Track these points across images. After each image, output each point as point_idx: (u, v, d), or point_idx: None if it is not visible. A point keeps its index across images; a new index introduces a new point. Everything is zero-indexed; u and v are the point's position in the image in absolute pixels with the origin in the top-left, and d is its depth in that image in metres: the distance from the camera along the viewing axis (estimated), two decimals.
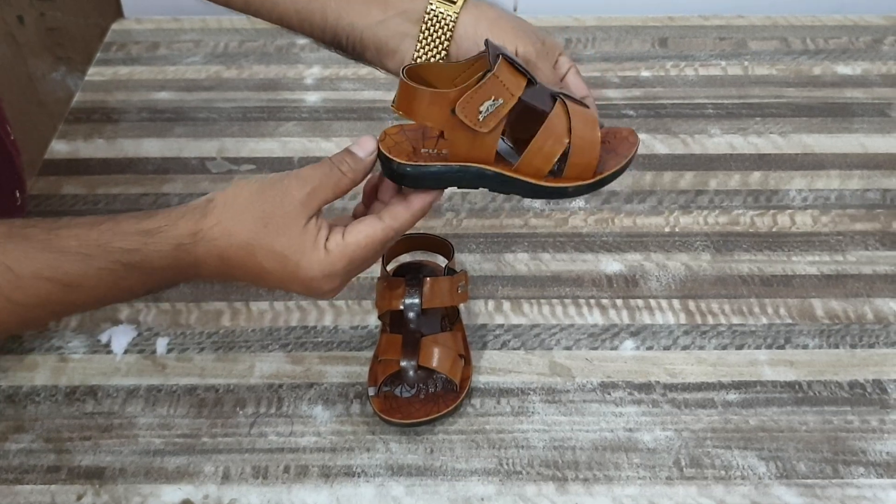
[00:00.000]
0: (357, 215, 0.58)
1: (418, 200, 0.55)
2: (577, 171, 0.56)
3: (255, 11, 0.63)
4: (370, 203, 0.58)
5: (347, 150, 0.55)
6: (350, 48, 0.60)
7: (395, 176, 0.56)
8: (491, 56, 0.53)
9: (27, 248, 0.48)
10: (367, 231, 0.53)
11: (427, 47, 0.57)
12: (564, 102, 0.56)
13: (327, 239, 0.53)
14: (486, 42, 0.54)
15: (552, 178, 0.56)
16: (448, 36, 0.57)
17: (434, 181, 0.55)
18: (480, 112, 0.53)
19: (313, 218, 0.53)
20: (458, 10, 0.57)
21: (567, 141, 0.56)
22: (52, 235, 0.49)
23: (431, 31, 0.57)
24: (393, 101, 0.55)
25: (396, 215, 0.54)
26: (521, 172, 0.56)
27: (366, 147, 0.55)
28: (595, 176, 0.57)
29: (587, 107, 0.57)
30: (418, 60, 0.58)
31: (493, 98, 0.52)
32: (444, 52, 0.57)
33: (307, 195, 0.52)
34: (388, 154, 0.55)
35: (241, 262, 0.52)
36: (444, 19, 0.57)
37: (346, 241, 0.53)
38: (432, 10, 0.57)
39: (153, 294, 0.55)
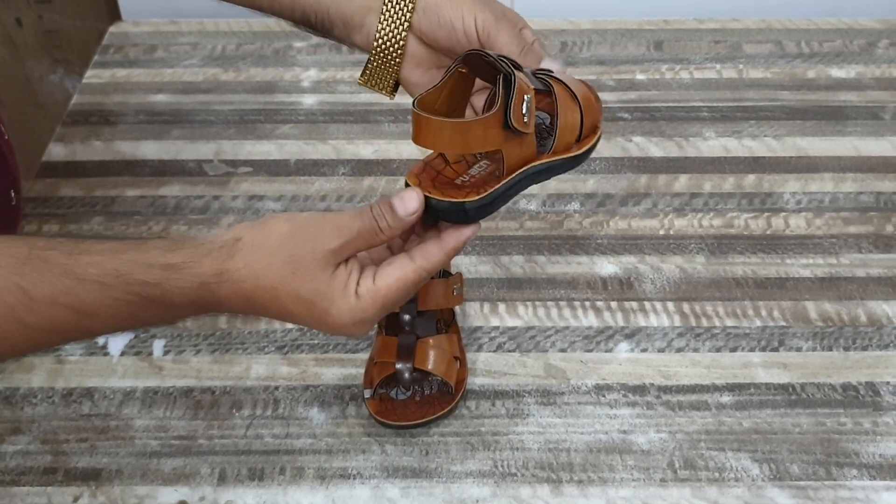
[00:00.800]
0: (394, 250, 0.57)
1: (452, 239, 0.53)
2: (587, 132, 0.58)
3: None
4: (407, 237, 0.58)
5: (389, 205, 0.52)
6: (319, 25, 0.61)
7: (454, 215, 0.53)
8: (497, 62, 0.54)
9: (45, 272, 0.47)
10: (398, 274, 0.52)
11: (390, 20, 0.58)
12: (549, 77, 0.57)
13: (357, 283, 0.51)
14: (475, 52, 0.54)
15: (575, 146, 0.58)
16: (410, 8, 0.57)
17: (500, 203, 0.54)
18: (524, 115, 0.53)
19: (342, 264, 0.52)
20: None
21: (578, 105, 0.57)
22: (71, 260, 0.48)
23: (393, 4, 0.58)
24: (417, 139, 0.52)
25: (429, 256, 0.53)
26: (559, 152, 0.57)
27: (409, 206, 0.52)
28: (598, 130, 0.59)
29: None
30: (382, 33, 0.58)
31: (524, 97, 0.53)
32: (407, 25, 0.58)
33: (340, 246, 0.51)
34: (440, 198, 0.53)
35: (266, 304, 0.51)
36: None
37: (377, 286, 0.51)
38: None
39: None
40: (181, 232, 0.83)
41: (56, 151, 0.92)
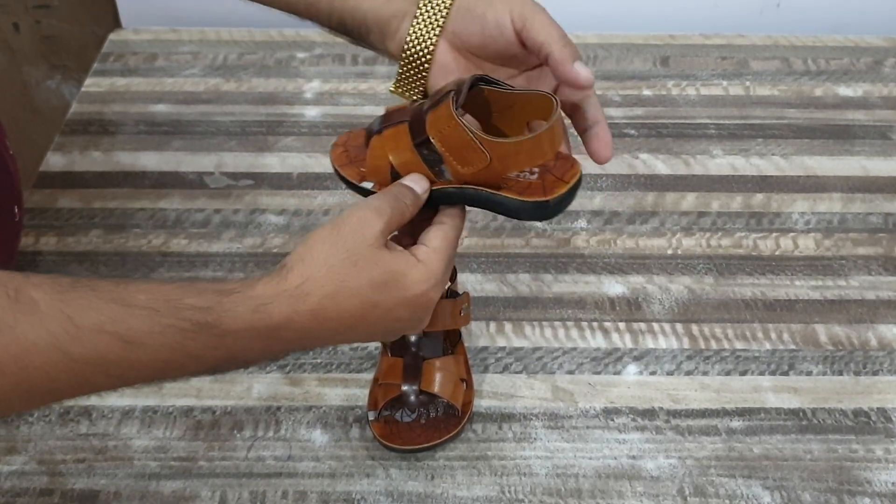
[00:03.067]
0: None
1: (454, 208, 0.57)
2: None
3: (265, 0, 0.62)
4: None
5: (403, 184, 0.55)
6: (355, 32, 0.60)
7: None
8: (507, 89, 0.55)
9: (92, 299, 0.44)
10: (441, 234, 0.54)
11: (423, 24, 0.57)
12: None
13: (412, 254, 0.52)
14: (480, 77, 0.54)
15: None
16: (445, 13, 0.57)
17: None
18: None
19: (389, 242, 0.53)
20: None
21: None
22: (120, 288, 0.45)
23: (428, 8, 0.57)
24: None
25: (451, 216, 0.56)
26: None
27: (421, 184, 0.55)
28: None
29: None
30: (413, 37, 0.57)
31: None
32: (439, 30, 0.57)
33: (384, 226, 0.51)
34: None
35: (339, 313, 0.49)
36: None
37: (432, 246, 0.53)
38: None
39: (218, 374, 0.51)
40: (181, 245, 0.82)
41: (54, 161, 0.91)
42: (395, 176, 0.56)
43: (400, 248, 0.53)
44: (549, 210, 0.55)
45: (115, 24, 1.11)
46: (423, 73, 0.58)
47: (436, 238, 0.54)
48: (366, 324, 0.51)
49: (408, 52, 0.58)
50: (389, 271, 0.50)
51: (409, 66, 0.58)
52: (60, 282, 0.45)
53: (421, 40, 0.57)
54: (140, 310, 0.45)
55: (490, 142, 0.52)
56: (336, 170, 0.58)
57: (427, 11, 0.57)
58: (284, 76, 1.01)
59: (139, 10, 1.10)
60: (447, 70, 0.58)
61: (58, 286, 0.44)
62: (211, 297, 0.47)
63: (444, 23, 0.57)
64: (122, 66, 1.03)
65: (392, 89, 0.60)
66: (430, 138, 0.54)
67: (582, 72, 0.54)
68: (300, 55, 1.04)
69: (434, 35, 0.57)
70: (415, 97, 0.60)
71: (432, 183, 0.56)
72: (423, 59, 0.57)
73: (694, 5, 1.11)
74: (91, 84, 1.00)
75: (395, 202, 0.53)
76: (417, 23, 0.57)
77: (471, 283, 0.79)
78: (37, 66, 1.20)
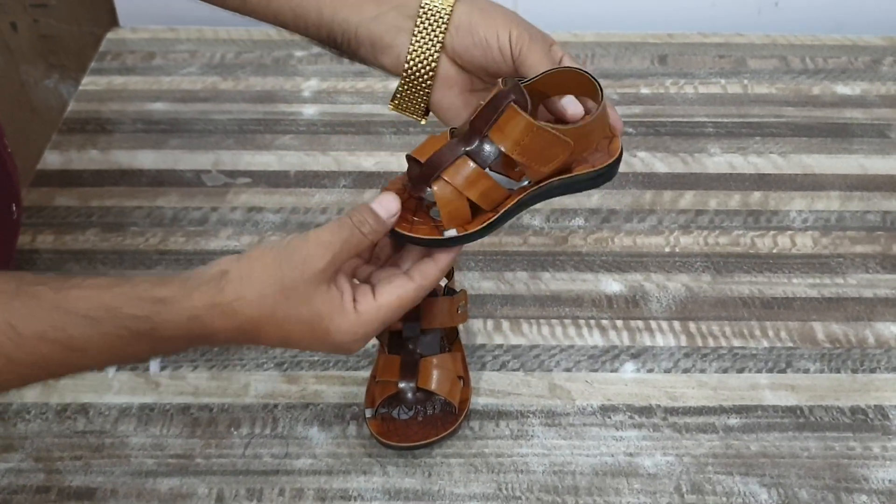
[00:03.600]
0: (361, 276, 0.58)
1: (444, 257, 0.55)
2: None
3: (250, 10, 0.62)
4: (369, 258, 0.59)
5: (368, 209, 0.53)
6: (345, 45, 0.59)
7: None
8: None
9: (34, 308, 0.46)
10: (399, 292, 0.53)
11: (422, 41, 0.57)
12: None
13: (355, 300, 0.52)
14: (509, 81, 0.54)
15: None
16: (443, 29, 0.56)
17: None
18: None
19: (334, 280, 0.52)
20: (452, 3, 0.57)
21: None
22: (60, 296, 0.47)
23: (426, 24, 0.56)
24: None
25: (426, 273, 0.54)
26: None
27: (390, 208, 0.54)
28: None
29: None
30: (413, 55, 0.57)
31: None
32: (439, 46, 0.57)
33: (328, 263, 0.51)
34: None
35: (264, 333, 0.51)
36: (439, 12, 0.56)
37: (378, 302, 0.52)
38: (426, 3, 0.57)
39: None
40: (179, 244, 0.82)
41: (51, 160, 0.91)
42: (476, 209, 0.55)
43: (344, 285, 0.52)
44: (617, 165, 0.58)
45: (113, 22, 1.11)
46: (426, 90, 0.58)
47: (390, 294, 0.53)
48: (289, 346, 0.53)
49: (410, 70, 0.57)
50: (317, 312, 0.51)
51: (412, 83, 0.58)
52: (4, 289, 0.47)
53: (422, 57, 0.57)
54: (80, 318, 0.47)
55: (572, 130, 0.54)
56: (409, 237, 0.55)
57: (426, 27, 0.56)
58: (282, 74, 1.01)
59: (137, 9, 1.10)
60: (451, 84, 0.58)
61: (3, 294, 0.46)
62: (149, 307, 0.48)
63: (443, 38, 0.56)
64: (120, 65, 1.03)
65: (392, 107, 0.60)
66: (508, 152, 0.54)
67: (569, 108, 0.57)
68: (298, 53, 1.04)
69: (435, 51, 0.57)
70: (415, 115, 0.60)
71: (506, 200, 0.56)
72: (426, 76, 0.57)
73: (692, 4, 1.11)
74: (88, 83, 1.00)
75: (349, 234, 0.52)
76: (416, 39, 0.56)
77: (468, 280, 0.78)
78: (34, 65, 1.19)
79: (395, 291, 0.53)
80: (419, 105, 0.59)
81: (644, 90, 1.00)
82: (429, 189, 0.55)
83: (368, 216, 0.53)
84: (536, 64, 0.56)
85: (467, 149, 0.54)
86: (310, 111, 0.96)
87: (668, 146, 0.93)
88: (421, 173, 0.55)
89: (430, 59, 0.57)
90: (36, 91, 1.21)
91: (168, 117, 0.96)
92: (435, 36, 0.56)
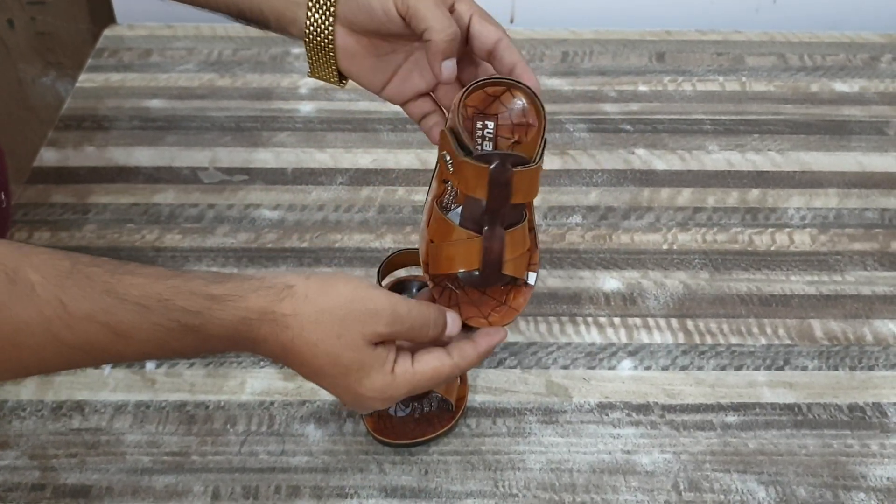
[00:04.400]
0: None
1: (484, 342, 0.55)
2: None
3: None
4: None
5: (444, 318, 0.54)
6: (254, 20, 0.61)
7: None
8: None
9: (86, 287, 0.46)
10: (436, 364, 0.53)
11: (316, 14, 0.58)
12: None
13: (395, 362, 0.52)
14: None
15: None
16: (333, 1, 0.58)
17: None
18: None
19: (384, 343, 0.52)
20: None
21: None
22: (115, 279, 0.47)
23: None
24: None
25: (465, 355, 0.54)
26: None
27: (454, 330, 0.55)
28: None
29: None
30: (310, 27, 0.58)
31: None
32: (332, 18, 0.58)
33: (390, 333, 0.51)
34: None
35: (302, 358, 0.50)
36: None
37: (414, 369, 0.52)
38: None
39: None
40: (175, 241, 0.81)
41: (48, 157, 0.90)
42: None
43: (388, 350, 0.52)
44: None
45: (110, 20, 1.10)
46: (331, 58, 0.59)
47: (427, 364, 0.53)
48: (318, 381, 0.52)
49: (310, 42, 0.59)
50: (358, 363, 0.50)
51: (316, 54, 0.59)
52: (59, 266, 0.46)
53: (319, 30, 0.58)
54: (132, 304, 0.46)
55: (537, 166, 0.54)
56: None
57: (317, 1, 0.58)
58: (279, 71, 1.01)
59: (134, 6, 1.10)
60: (352, 52, 0.59)
61: (55, 270, 0.46)
62: (202, 302, 0.48)
63: (334, 10, 0.58)
64: (117, 62, 1.03)
65: (309, 74, 0.61)
66: (530, 201, 0.55)
67: (445, 71, 0.55)
68: (295, 51, 1.03)
69: (329, 24, 0.58)
70: (332, 81, 0.61)
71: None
72: (327, 47, 0.58)
73: (690, 2, 1.10)
74: (85, 80, 1.00)
75: (419, 325, 0.52)
76: (311, 14, 0.58)
77: None
78: (31, 63, 1.19)
79: (432, 363, 0.53)
80: (331, 72, 0.60)
81: (642, 87, 1.00)
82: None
83: (441, 322, 0.54)
84: (429, 17, 0.55)
85: (504, 228, 0.55)
86: (307, 108, 0.96)
87: (666, 143, 0.92)
88: (490, 276, 0.56)
89: (327, 31, 0.58)
90: (33, 88, 1.20)
91: (165, 114, 0.95)
92: (326, 10, 0.58)
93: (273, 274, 0.51)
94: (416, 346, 0.54)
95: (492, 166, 0.52)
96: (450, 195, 0.57)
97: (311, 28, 0.58)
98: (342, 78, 0.61)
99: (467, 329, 0.56)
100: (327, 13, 0.58)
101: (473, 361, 0.55)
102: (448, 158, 0.54)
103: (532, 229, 0.58)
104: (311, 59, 0.60)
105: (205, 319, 0.48)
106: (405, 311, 0.51)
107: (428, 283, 0.57)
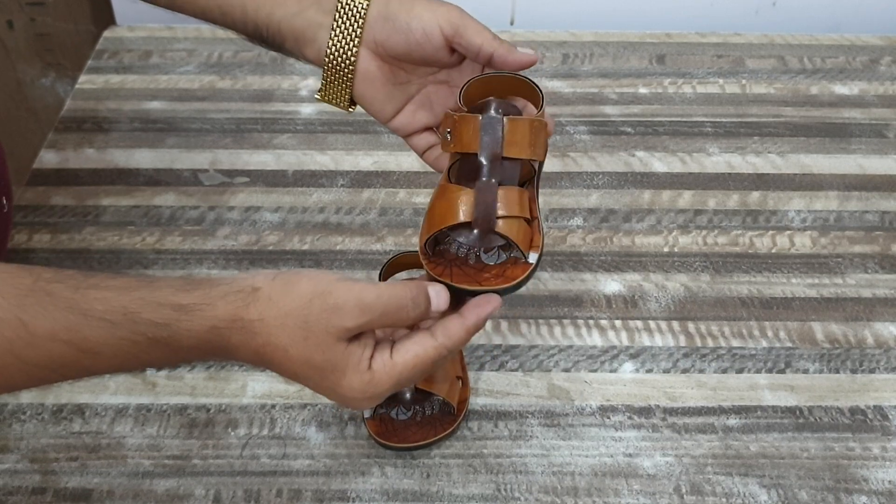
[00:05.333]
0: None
1: (473, 315, 0.51)
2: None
3: (179, 7, 0.63)
4: None
5: (426, 294, 0.50)
6: (270, 40, 0.60)
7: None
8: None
9: (48, 305, 0.45)
10: (417, 350, 0.49)
11: (340, 36, 0.57)
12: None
13: (372, 357, 0.49)
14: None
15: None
16: (360, 24, 0.57)
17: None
18: None
19: (357, 338, 0.49)
20: None
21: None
22: (78, 295, 0.45)
23: (344, 20, 0.57)
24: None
25: (451, 333, 0.50)
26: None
27: (441, 303, 0.51)
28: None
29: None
30: (332, 50, 0.58)
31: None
32: (357, 41, 0.57)
33: (358, 326, 0.48)
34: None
35: (277, 363, 0.49)
36: (355, 7, 0.57)
37: (393, 360, 0.49)
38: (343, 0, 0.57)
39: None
40: (176, 243, 0.81)
41: (48, 158, 0.90)
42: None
43: (367, 341, 0.49)
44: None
45: (110, 21, 1.10)
46: (348, 83, 0.58)
47: (406, 352, 0.49)
48: (300, 383, 0.50)
49: (329, 64, 0.58)
50: (332, 363, 0.48)
51: (333, 77, 0.58)
52: (19, 284, 0.45)
53: (341, 51, 0.57)
54: (96, 320, 0.45)
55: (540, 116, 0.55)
56: (497, 290, 0.53)
57: (344, 22, 0.57)
58: (280, 73, 1.01)
59: (134, 8, 1.09)
60: (371, 78, 0.58)
61: (16, 289, 0.45)
62: (169, 314, 0.46)
63: (361, 32, 0.57)
64: (117, 64, 1.02)
65: (318, 97, 0.61)
66: (528, 157, 0.54)
67: (527, 54, 0.56)
68: None
69: (353, 46, 0.57)
70: (341, 106, 0.61)
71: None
72: (346, 70, 0.58)
73: (690, 4, 1.11)
74: (85, 81, 1.00)
75: (394, 309, 0.49)
76: (335, 34, 0.57)
77: None
78: (31, 64, 1.19)
79: (413, 349, 0.49)
80: (344, 97, 0.60)
81: (642, 90, 1.00)
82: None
83: (421, 300, 0.50)
84: (479, 30, 0.56)
85: (497, 180, 0.54)
86: (307, 110, 0.96)
87: (667, 146, 0.92)
88: (483, 228, 0.53)
89: (349, 53, 0.57)
90: (32, 89, 1.20)
91: (165, 116, 0.95)
92: (352, 31, 0.57)
93: (244, 275, 0.49)
94: (403, 333, 0.51)
95: (483, 114, 0.52)
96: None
97: (333, 49, 0.57)
98: (352, 103, 0.61)
99: (458, 305, 0.52)
100: (353, 34, 0.57)
101: (463, 338, 0.50)
102: (448, 132, 0.54)
103: (534, 201, 0.56)
104: (326, 81, 0.59)
105: (173, 331, 0.46)
106: (373, 298, 0.48)
107: (422, 260, 0.54)
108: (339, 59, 0.57)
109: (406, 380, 0.50)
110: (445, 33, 0.56)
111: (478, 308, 0.51)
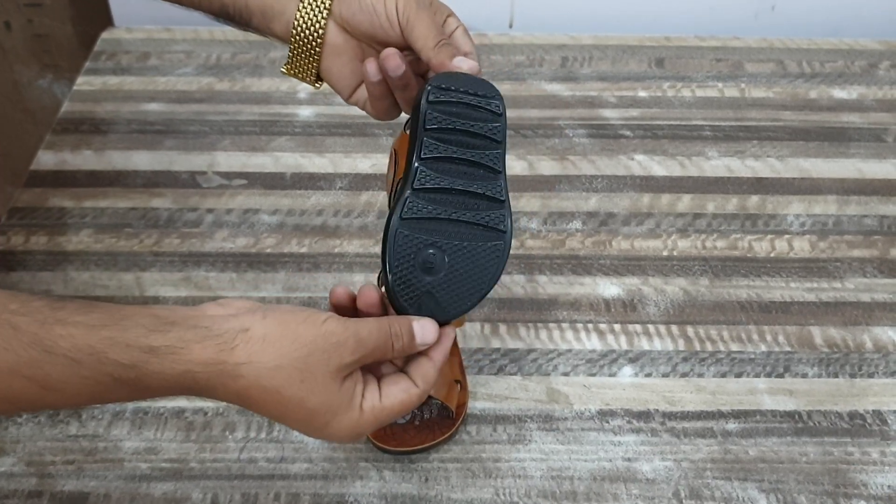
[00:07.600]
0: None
1: (439, 354, 0.52)
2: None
3: None
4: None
5: (410, 330, 0.50)
6: (237, 16, 0.59)
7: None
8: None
9: (12, 340, 0.43)
10: (403, 397, 0.50)
11: (309, 7, 0.57)
12: None
13: (363, 397, 0.49)
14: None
15: None
16: None
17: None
18: None
19: (350, 375, 0.49)
20: None
21: None
22: (43, 330, 0.44)
23: None
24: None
25: (426, 376, 0.51)
26: None
27: (427, 337, 0.51)
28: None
29: None
30: (301, 20, 0.57)
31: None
32: (326, 13, 0.57)
33: (356, 360, 0.48)
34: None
35: (261, 403, 0.47)
36: None
37: (382, 404, 0.49)
38: None
39: None
40: (174, 245, 0.81)
41: (45, 160, 0.90)
42: None
43: (358, 377, 0.49)
44: None
45: (108, 22, 1.10)
46: (315, 56, 0.58)
47: (395, 398, 0.50)
48: (280, 420, 0.49)
49: (298, 36, 0.57)
50: (325, 405, 0.48)
51: (300, 49, 0.58)
52: None
53: (310, 24, 0.57)
54: (60, 357, 0.44)
55: None
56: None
57: None
58: (278, 76, 1.00)
59: (132, 9, 1.09)
60: (339, 51, 0.58)
61: None
62: (137, 355, 0.44)
63: (330, 4, 0.57)
64: (115, 65, 1.02)
65: (284, 70, 0.60)
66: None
67: (463, 65, 0.54)
68: None
69: (322, 18, 0.57)
70: (307, 80, 0.60)
71: None
72: (314, 43, 0.57)
73: (689, 8, 1.11)
74: (83, 83, 1.00)
75: (382, 343, 0.49)
76: (303, 6, 0.57)
77: None
78: (28, 65, 1.19)
79: (399, 396, 0.50)
80: (310, 71, 0.59)
81: (641, 93, 1.00)
82: None
83: (406, 334, 0.50)
84: (422, 37, 0.55)
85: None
86: (306, 112, 0.96)
87: (666, 149, 0.92)
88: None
89: (318, 26, 0.57)
90: (30, 91, 1.20)
91: (163, 118, 0.95)
92: (321, 3, 0.57)
93: (225, 317, 0.47)
94: (389, 370, 0.52)
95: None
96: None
97: (302, 21, 0.57)
98: (318, 78, 0.60)
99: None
100: (322, 6, 0.57)
101: (434, 377, 0.52)
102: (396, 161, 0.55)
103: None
104: (293, 54, 0.58)
105: (140, 373, 0.45)
106: (366, 333, 0.48)
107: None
108: (308, 31, 0.57)
109: (387, 421, 0.50)
110: (400, 22, 0.56)
111: (440, 347, 0.52)
